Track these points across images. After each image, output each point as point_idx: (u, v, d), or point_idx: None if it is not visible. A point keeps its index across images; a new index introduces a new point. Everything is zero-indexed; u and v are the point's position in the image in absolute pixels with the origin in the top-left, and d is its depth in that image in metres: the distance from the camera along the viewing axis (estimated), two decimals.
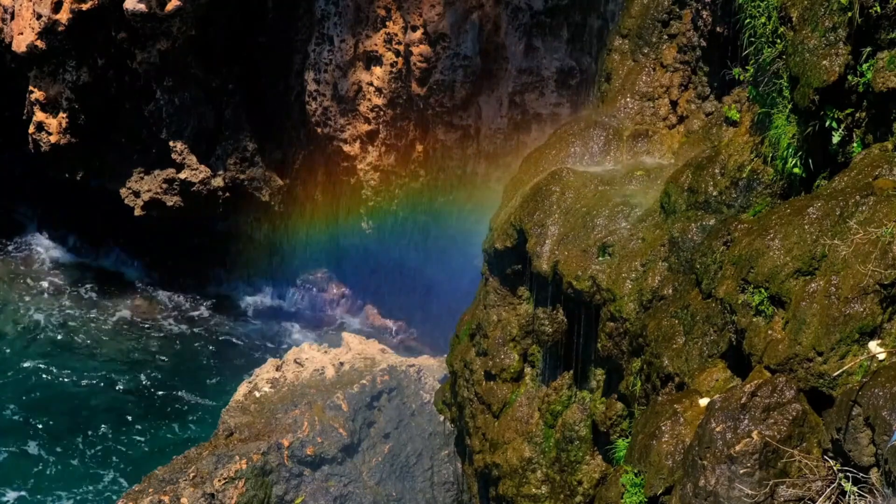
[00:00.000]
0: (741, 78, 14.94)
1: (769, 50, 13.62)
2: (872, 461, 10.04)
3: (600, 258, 15.19)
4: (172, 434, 25.34)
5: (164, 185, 27.68)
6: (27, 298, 29.30)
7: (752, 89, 14.25)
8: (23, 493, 23.33)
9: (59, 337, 28.13)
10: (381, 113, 25.95)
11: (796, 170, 13.06)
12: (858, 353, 10.75)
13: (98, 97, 27.06)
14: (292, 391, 20.84)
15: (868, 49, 12.14)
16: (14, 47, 26.40)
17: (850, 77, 12.28)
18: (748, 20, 14.04)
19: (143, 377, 27.04)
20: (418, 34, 24.48)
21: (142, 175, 27.84)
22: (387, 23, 25.16)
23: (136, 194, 27.90)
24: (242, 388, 21.13)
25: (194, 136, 27.14)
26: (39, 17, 25.85)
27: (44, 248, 30.98)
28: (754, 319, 11.75)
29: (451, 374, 18.52)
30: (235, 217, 28.89)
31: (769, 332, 11.52)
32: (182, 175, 27.37)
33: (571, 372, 16.25)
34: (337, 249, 29.64)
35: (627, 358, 14.41)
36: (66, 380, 26.72)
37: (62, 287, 29.82)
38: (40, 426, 25.22)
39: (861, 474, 10.09)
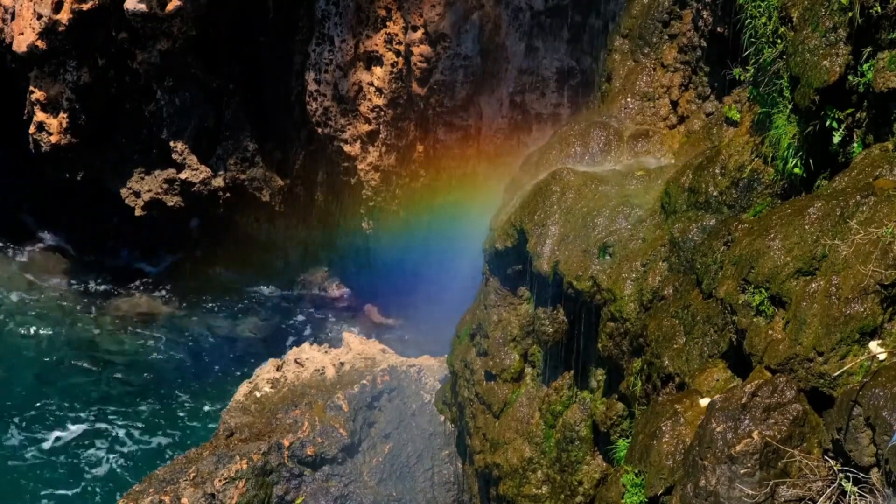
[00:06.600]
0: (741, 78, 14.94)
1: (770, 50, 13.62)
2: (873, 461, 10.04)
3: (601, 258, 15.20)
4: (173, 434, 25.32)
5: (165, 186, 27.69)
6: (26, 295, 29.30)
7: (752, 89, 14.25)
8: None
9: (58, 334, 28.12)
10: (382, 113, 25.93)
11: (797, 170, 13.06)
12: (859, 353, 10.74)
13: (98, 97, 27.05)
14: (293, 391, 20.83)
15: (868, 49, 12.14)
16: (14, 47, 26.39)
17: (850, 77, 12.28)
18: (749, 20, 14.04)
19: (141, 376, 27.03)
20: (419, 34, 24.47)
21: (142, 175, 27.85)
22: (387, 23, 25.15)
23: (137, 194, 27.91)
24: (243, 389, 21.13)
25: (195, 137, 27.14)
26: (40, 17, 25.84)
27: (43, 245, 30.96)
28: (755, 319, 11.75)
29: (452, 374, 18.52)
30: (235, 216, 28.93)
31: (769, 332, 11.51)
32: (182, 175, 27.38)
33: (572, 372, 16.25)
34: (337, 249, 29.63)
35: (628, 358, 14.41)
36: (62, 377, 26.71)
37: (60, 285, 29.79)
38: (37, 422, 25.22)
39: (861, 474, 10.08)
